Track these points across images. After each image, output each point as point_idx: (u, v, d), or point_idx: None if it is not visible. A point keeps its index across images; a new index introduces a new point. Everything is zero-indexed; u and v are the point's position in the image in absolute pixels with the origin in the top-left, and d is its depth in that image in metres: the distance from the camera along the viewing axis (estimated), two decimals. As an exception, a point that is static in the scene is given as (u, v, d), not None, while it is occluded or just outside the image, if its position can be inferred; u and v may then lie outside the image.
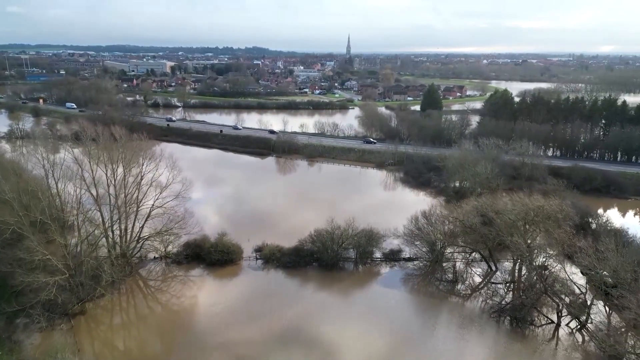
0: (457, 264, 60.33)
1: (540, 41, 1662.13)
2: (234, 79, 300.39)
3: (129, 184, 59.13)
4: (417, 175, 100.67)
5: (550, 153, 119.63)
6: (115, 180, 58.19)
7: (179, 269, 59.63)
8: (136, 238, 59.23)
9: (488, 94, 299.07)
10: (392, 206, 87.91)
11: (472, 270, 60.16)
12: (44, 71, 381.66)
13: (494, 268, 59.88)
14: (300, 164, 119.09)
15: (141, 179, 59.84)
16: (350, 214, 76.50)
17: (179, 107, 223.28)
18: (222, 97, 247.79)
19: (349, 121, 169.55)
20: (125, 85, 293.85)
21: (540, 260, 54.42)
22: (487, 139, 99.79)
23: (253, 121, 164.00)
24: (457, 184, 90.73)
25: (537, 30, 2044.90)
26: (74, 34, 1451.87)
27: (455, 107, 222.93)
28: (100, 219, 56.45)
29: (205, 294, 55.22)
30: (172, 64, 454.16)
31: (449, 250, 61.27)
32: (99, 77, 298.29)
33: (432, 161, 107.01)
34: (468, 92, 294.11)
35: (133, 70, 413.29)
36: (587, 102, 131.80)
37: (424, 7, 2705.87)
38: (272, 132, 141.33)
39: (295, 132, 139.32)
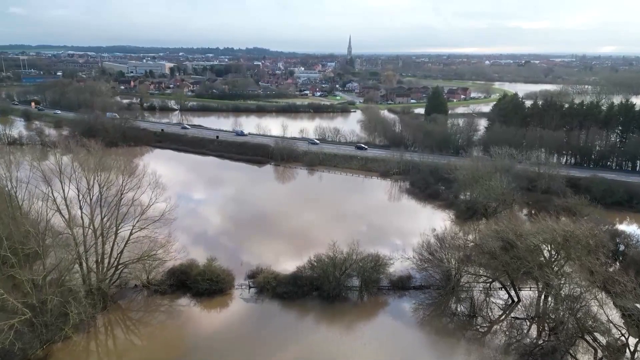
0: (474, 292, 53.88)
1: (541, 41, 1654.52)
2: (234, 80, 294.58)
3: (107, 203, 52.91)
4: (424, 186, 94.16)
5: (563, 161, 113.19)
6: (90, 200, 52.02)
7: (163, 300, 53.11)
8: (114, 264, 52.91)
9: (493, 96, 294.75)
10: (398, 221, 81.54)
11: (491, 300, 53.64)
12: (42, 72, 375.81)
13: (515, 299, 53.40)
14: (300, 172, 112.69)
15: (120, 198, 53.59)
16: (352, 232, 70.44)
17: (176, 110, 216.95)
18: (221, 100, 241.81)
19: (351, 125, 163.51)
20: (122, 87, 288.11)
21: (569, 291, 48.10)
22: (499, 148, 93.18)
23: (251, 125, 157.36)
24: (468, 195, 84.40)
25: (538, 30, 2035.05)
26: (75, 34, 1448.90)
27: (460, 110, 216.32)
28: (73, 244, 50.19)
29: (191, 329, 48.87)
30: (172, 65, 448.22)
31: (464, 277, 54.72)
32: (96, 79, 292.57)
33: (440, 170, 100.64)
34: (472, 95, 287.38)
35: (132, 72, 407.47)
36: (602, 107, 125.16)
37: (424, 8, 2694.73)
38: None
39: (294, 138, 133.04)
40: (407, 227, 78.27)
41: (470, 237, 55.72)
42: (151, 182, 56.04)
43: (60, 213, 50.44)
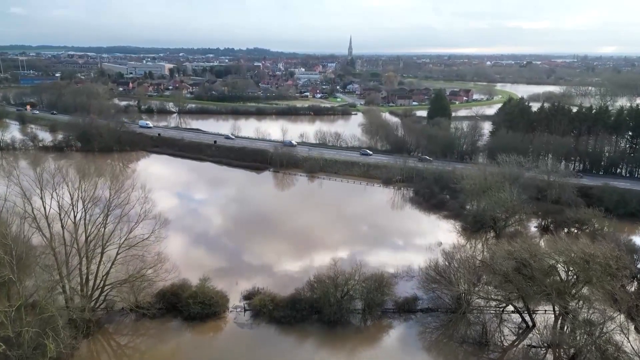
0: (485, 316, 50.34)
1: (541, 42, 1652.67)
2: (233, 82, 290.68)
3: (92, 220, 49.47)
4: (429, 195, 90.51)
5: (571, 167, 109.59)
6: (74, 217, 48.58)
7: (152, 324, 49.58)
8: (100, 286, 49.45)
9: (495, 98, 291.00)
10: (402, 233, 78.03)
11: (503, 324, 50.12)
12: (41, 74, 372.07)
13: (530, 323, 49.83)
14: (300, 179, 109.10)
15: (107, 215, 50.13)
16: (354, 246, 67.14)
17: (175, 113, 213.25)
18: (220, 102, 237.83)
19: (352, 128, 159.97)
20: (120, 89, 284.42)
21: (588, 316, 44.68)
22: (507, 155, 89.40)
23: (250, 129, 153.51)
24: (475, 205, 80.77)
25: (538, 30, 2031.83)
26: (76, 34, 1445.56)
27: (462, 112, 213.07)
28: (55, 266, 46.76)
29: (183, 356, 45.56)
30: (171, 66, 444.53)
31: (475, 299, 51.20)
32: (94, 81, 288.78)
33: (445, 177, 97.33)
34: (474, 96, 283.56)
35: (131, 73, 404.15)
36: (610, 110, 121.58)
37: (424, 8, 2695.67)
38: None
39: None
40: (412, 240, 74.88)
41: (481, 255, 52.09)
42: (140, 197, 52.47)
43: (41, 232, 47.02)
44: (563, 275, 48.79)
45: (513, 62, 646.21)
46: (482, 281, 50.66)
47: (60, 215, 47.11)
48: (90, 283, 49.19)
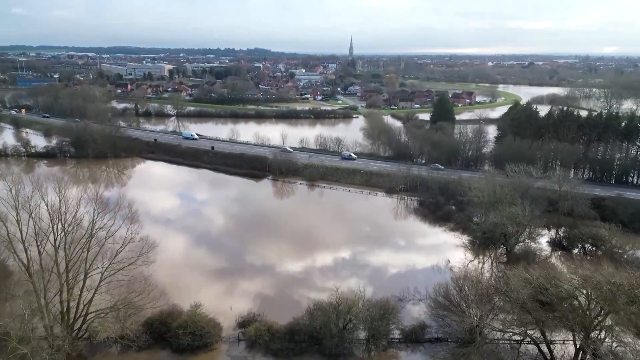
0: (499, 346, 46.50)
1: (543, 42, 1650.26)
2: (233, 83, 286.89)
3: (75, 241, 45.72)
4: (434, 207, 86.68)
5: (580, 176, 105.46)
6: (55, 240, 44.84)
7: (139, 355, 45.75)
8: (83, 314, 45.68)
9: (498, 100, 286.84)
10: (407, 249, 74.23)
11: (519, 357, 46.25)
12: (39, 75, 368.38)
13: (548, 356, 45.93)
14: (300, 188, 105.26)
15: (91, 236, 46.35)
16: (354, 263, 63.50)
17: (173, 116, 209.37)
18: (220, 104, 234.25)
19: (354, 133, 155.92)
20: (119, 91, 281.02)
21: (613, 349, 40.93)
22: (515, 165, 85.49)
23: (249, 133, 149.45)
24: (483, 217, 76.85)
25: (539, 31, 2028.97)
26: (77, 34, 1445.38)
27: (466, 115, 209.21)
28: (34, 294, 43.03)
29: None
30: (171, 67, 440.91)
31: (488, 328, 47.29)
32: (93, 83, 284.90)
33: (450, 187, 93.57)
34: (477, 98, 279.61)
35: (130, 74, 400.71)
36: (619, 113, 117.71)
37: (425, 8, 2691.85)
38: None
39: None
40: (418, 257, 71.01)
41: (490, 273, 48.23)
42: (127, 216, 48.71)
43: (17, 257, 43.28)
44: (583, 302, 45.01)
45: (515, 63, 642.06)
46: (496, 309, 46.71)
47: (37, 240, 43.26)
48: (72, 311, 45.44)
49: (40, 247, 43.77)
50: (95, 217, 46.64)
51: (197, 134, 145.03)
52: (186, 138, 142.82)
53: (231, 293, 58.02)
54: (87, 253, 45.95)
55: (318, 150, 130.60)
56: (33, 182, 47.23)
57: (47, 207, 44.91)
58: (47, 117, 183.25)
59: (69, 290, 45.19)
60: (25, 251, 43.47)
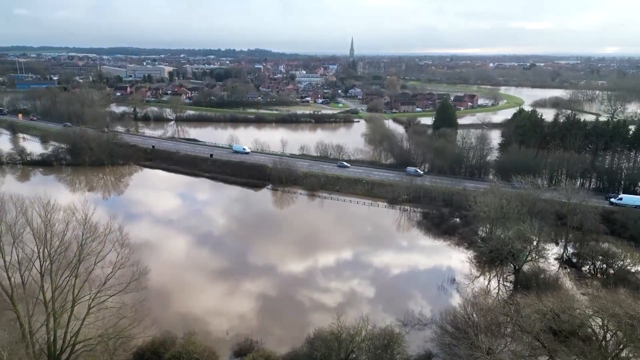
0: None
1: (544, 42, 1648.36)
2: (233, 86, 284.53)
3: (62, 268, 43.34)
4: (439, 219, 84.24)
5: (587, 186, 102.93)
6: (41, 266, 42.44)
7: (129, 388, 43.57)
8: (71, 343, 43.26)
9: (500, 103, 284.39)
10: (410, 266, 71.59)
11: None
12: (38, 77, 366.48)
13: (562, 389, 43.47)
14: (300, 198, 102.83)
15: (79, 262, 43.94)
16: (357, 282, 61.15)
17: (172, 120, 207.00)
18: (219, 108, 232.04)
19: (355, 138, 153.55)
20: (118, 94, 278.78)
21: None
22: (521, 176, 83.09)
23: (249, 139, 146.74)
24: (489, 233, 74.39)
25: (541, 31, 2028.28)
26: (78, 35, 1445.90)
27: (468, 119, 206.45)
28: (17, 324, 40.67)
29: None
30: (171, 69, 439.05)
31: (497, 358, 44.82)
32: (92, 85, 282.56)
33: (454, 198, 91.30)
34: (479, 101, 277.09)
35: (130, 76, 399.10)
36: (628, 125, 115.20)
37: (427, 9, 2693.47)
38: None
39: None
40: (422, 275, 68.68)
41: (502, 302, 45.80)
42: (117, 240, 46.25)
43: (1, 285, 40.90)
44: (598, 331, 42.59)
45: (516, 64, 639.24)
46: (506, 338, 44.32)
47: (20, 270, 40.89)
48: (59, 343, 43.02)
49: (24, 274, 41.36)
50: (83, 242, 44.21)
51: (249, 148, 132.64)
52: (237, 152, 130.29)
53: (226, 314, 55.53)
54: (75, 280, 43.58)
55: (319, 158, 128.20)
56: (17, 207, 44.69)
57: (33, 232, 42.49)
58: (34, 119, 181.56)
59: (56, 320, 42.84)
60: (9, 279, 41.11)
